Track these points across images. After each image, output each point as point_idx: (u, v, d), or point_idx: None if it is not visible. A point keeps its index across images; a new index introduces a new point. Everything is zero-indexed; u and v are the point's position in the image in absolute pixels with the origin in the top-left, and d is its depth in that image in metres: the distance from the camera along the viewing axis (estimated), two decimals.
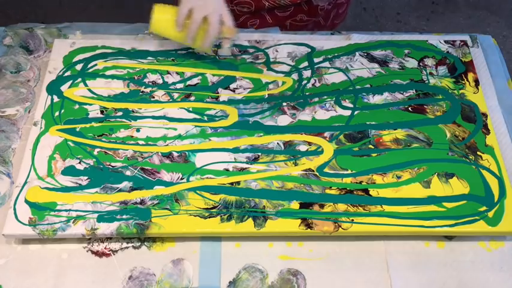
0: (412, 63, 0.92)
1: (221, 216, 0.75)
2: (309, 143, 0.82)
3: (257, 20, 1.03)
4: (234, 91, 0.88)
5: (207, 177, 0.78)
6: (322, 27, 1.12)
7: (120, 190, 0.76)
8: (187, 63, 0.91)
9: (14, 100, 0.87)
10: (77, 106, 0.85)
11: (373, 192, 0.78)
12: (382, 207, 0.76)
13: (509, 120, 0.88)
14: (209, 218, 0.74)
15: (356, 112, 0.86)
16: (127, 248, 0.75)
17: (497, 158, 0.81)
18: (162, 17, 0.86)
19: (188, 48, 0.93)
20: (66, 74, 0.89)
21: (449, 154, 0.82)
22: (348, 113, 0.86)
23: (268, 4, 1.00)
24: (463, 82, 0.90)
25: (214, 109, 0.86)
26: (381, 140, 0.83)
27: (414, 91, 0.89)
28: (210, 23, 0.83)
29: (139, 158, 0.80)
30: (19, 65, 0.92)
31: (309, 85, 0.89)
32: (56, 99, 0.86)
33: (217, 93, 0.88)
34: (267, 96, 0.88)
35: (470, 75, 0.91)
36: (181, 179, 0.78)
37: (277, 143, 0.82)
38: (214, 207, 0.75)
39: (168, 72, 0.90)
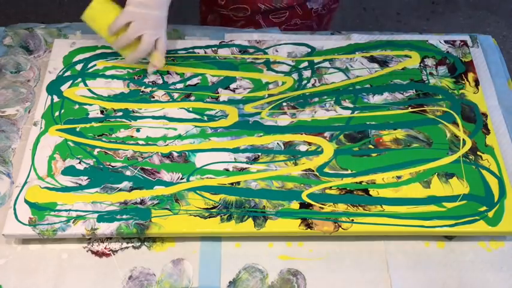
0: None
1: (221, 216, 0.75)
2: (309, 143, 0.82)
3: (252, 27, 1.03)
4: (234, 91, 0.88)
5: (207, 177, 0.78)
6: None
7: (120, 190, 0.76)
8: (187, 63, 0.91)
9: (14, 100, 0.87)
10: (77, 106, 0.85)
11: (373, 192, 0.78)
12: (382, 207, 0.76)
13: (509, 120, 0.88)
14: (209, 218, 0.74)
15: (356, 112, 0.86)
16: (127, 248, 0.75)
17: (497, 158, 0.81)
18: (98, 10, 0.79)
19: (188, 49, 0.93)
20: (66, 74, 0.89)
21: (449, 154, 0.82)
22: (348, 113, 0.86)
23: (264, 7, 1.00)
24: (463, 82, 0.90)
25: (214, 109, 0.86)
26: (381, 140, 0.83)
27: (414, 91, 0.89)
28: (143, 42, 0.81)
29: (140, 158, 0.80)
30: (19, 65, 0.92)
31: (309, 85, 0.89)
32: (56, 99, 0.86)
33: (217, 93, 0.88)
34: (267, 96, 0.88)
35: (470, 75, 0.91)
36: (181, 179, 0.78)
37: (277, 143, 0.82)
38: (214, 207, 0.75)
39: (168, 72, 0.90)
